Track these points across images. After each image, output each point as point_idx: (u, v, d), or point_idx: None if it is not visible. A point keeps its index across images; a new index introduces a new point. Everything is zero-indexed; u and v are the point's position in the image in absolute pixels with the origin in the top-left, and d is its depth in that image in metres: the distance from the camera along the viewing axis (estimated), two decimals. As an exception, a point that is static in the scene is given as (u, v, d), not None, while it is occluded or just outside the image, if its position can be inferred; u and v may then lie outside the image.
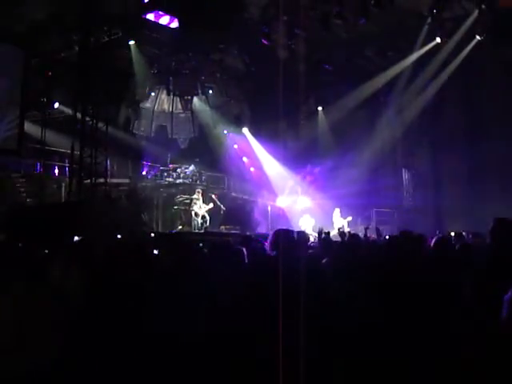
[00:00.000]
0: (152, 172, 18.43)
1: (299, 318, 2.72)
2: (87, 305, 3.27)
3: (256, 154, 19.89)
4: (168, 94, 19.17)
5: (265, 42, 14.88)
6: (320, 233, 7.69)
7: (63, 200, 14.72)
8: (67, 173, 15.58)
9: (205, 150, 19.23)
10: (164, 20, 13.69)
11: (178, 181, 17.75)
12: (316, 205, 17.74)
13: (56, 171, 16.60)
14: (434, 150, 17.86)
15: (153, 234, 11.83)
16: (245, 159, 20.32)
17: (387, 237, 7.76)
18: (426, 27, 14.84)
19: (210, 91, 19.32)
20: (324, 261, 4.11)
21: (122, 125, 18.00)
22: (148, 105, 19.33)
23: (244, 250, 3.88)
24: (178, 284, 3.46)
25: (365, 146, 17.43)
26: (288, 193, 18.60)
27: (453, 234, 7.58)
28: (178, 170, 17.91)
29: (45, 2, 13.18)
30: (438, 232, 10.67)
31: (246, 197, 19.21)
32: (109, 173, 15.63)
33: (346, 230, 13.54)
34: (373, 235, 9.15)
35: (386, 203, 17.29)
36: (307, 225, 15.80)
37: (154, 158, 18.60)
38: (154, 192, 17.47)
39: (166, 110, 19.93)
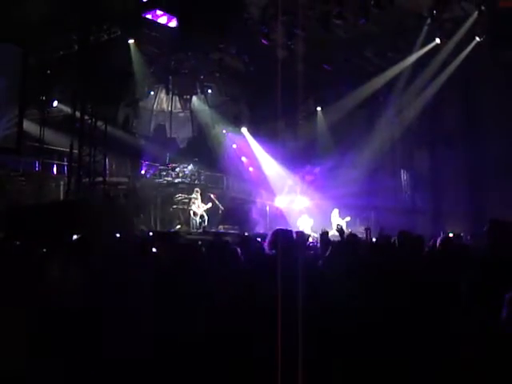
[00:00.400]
0: (151, 171, 18.42)
1: (297, 318, 2.72)
2: (85, 303, 3.26)
3: (255, 154, 19.88)
4: (167, 94, 19.17)
5: (264, 41, 14.87)
6: (322, 234, 7.69)
7: (62, 198, 14.69)
8: (66, 171, 15.56)
9: (204, 150, 19.23)
10: (162, 19, 13.69)
11: (176, 180, 17.75)
12: (314, 205, 17.74)
13: (55, 170, 16.57)
14: (433, 150, 17.86)
15: (151, 233, 11.81)
16: (243, 159, 20.31)
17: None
18: (425, 28, 14.83)
19: (209, 91, 19.31)
20: (322, 259, 4.11)
21: (120, 124, 17.97)
22: (147, 104, 19.31)
23: (240, 249, 3.88)
24: (177, 283, 3.46)
25: (364, 146, 17.43)
26: (286, 193, 18.60)
27: (451, 235, 7.59)
28: (177, 170, 17.91)
29: (44, 1, 13.15)
30: (442, 233, 10.66)
31: (244, 196, 19.21)
32: (107, 172, 15.63)
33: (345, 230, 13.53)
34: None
35: (384, 204, 17.29)
36: (305, 225, 15.80)
37: (152, 157, 18.58)
38: (152, 191, 17.45)
39: (165, 110, 19.92)
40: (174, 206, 17.22)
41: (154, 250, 4.65)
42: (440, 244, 4.37)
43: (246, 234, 12.39)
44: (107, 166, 15.49)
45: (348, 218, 15.72)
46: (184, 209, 16.81)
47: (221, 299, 3.16)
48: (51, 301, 3.29)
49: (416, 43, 15.49)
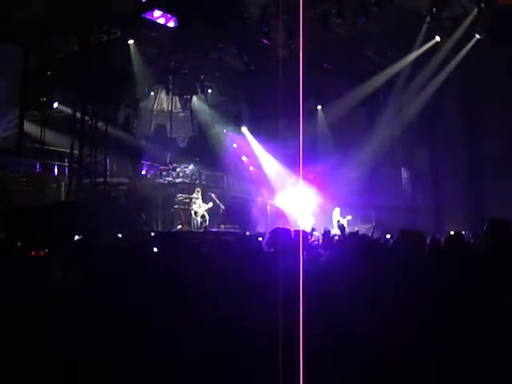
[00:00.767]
0: (151, 171, 18.43)
1: (298, 317, 2.72)
2: (86, 304, 3.27)
3: (255, 153, 19.88)
4: (167, 94, 19.16)
5: (264, 41, 14.87)
6: (325, 232, 7.73)
7: (63, 199, 14.71)
8: (67, 172, 15.58)
9: (204, 149, 19.23)
10: (161, 20, 13.72)
11: (177, 180, 17.76)
12: (315, 204, 17.73)
13: (56, 171, 16.58)
14: (433, 148, 17.86)
15: (152, 233, 11.84)
16: (244, 158, 20.31)
17: (388, 236, 7.76)
18: (425, 26, 14.83)
19: (210, 90, 19.30)
20: (324, 257, 4.12)
21: (121, 124, 17.97)
22: (147, 104, 19.31)
23: (241, 248, 3.90)
24: (177, 283, 3.47)
25: (364, 144, 17.42)
26: (287, 192, 18.59)
27: (452, 233, 7.57)
28: (178, 169, 17.92)
29: (44, 2, 13.16)
30: (443, 232, 10.68)
31: (245, 196, 19.21)
32: (108, 172, 15.65)
33: (346, 229, 13.55)
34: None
35: (385, 202, 17.28)
36: (306, 224, 15.79)
37: (153, 157, 18.59)
38: (153, 191, 17.46)
39: (166, 110, 19.92)
40: (175, 206, 17.22)
41: (154, 249, 4.66)
42: (445, 242, 4.39)
43: (247, 233, 12.41)
44: (108, 167, 15.51)
45: (349, 217, 15.71)
46: (185, 209, 16.82)
47: (221, 299, 3.17)
48: (53, 301, 3.30)
49: (416, 41, 15.48)
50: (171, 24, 13.83)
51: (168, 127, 19.93)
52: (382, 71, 16.82)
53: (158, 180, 17.89)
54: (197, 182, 17.84)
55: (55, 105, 16.54)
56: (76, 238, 5.56)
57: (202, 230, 15.36)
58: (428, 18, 14.44)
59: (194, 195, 16.21)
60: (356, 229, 13.08)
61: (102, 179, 14.66)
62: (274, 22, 14.39)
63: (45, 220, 8.99)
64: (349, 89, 17.61)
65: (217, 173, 19.53)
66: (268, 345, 2.69)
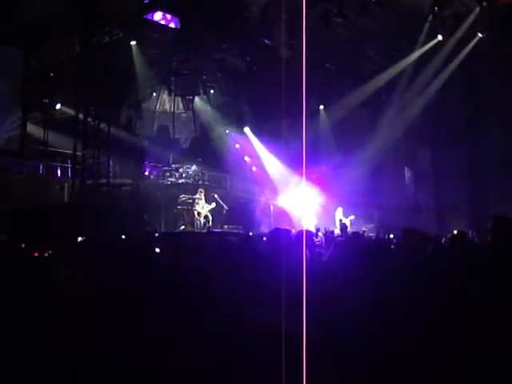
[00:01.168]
0: (154, 172, 18.45)
1: (300, 318, 2.72)
2: (90, 305, 3.27)
3: (258, 154, 19.88)
4: (169, 94, 19.18)
5: (266, 41, 14.88)
6: (327, 232, 7.73)
7: (66, 201, 14.74)
8: (70, 174, 15.60)
9: (207, 150, 19.24)
10: (163, 21, 13.75)
11: (180, 181, 17.78)
12: (318, 204, 17.73)
13: (59, 172, 16.61)
14: (435, 148, 17.81)
15: (156, 234, 11.84)
16: (247, 158, 20.32)
17: (391, 236, 7.76)
18: (427, 25, 14.80)
19: (212, 91, 19.31)
20: (326, 256, 4.12)
21: (123, 125, 18.00)
22: (150, 105, 19.34)
23: (245, 248, 3.89)
24: (180, 283, 3.47)
25: (367, 144, 17.40)
26: (290, 192, 18.59)
27: (455, 232, 7.55)
28: (181, 170, 17.93)
29: (46, 3, 13.18)
30: (448, 231, 10.64)
31: (248, 196, 19.21)
32: (111, 173, 15.65)
33: (349, 229, 13.55)
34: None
35: (387, 202, 17.25)
36: (310, 224, 15.79)
37: (156, 158, 18.61)
38: (156, 192, 17.48)
39: (168, 110, 19.94)
40: (178, 207, 17.24)
41: (157, 250, 4.67)
42: (449, 241, 4.39)
43: (251, 233, 12.41)
44: (111, 168, 15.51)
45: (352, 217, 15.72)
46: (188, 209, 16.84)
47: (225, 300, 3.17)
48: (56, 302, 3.30)
49: (418, 41, 15.46)
50: (173, 25, 13.86)
51: (170, 128, 19.96)
52: (384, 71, 16.78)
53: (160, 181, 17.91)
54: (200, 182, 17.85)
55: (58, 106, 16.58)
56: (79, 239, 5.56)
57: (205, 230, 15.36)
58: (430, 17, 14.42)
59: (197, 196, 16.23)
60: (362, 229, 13.09)
61: (104, 180, 14.66)
62: (275, 22, 14.40)
63: (48, 221, 9.01)
64: (351, 89, 17.59)
65: (220, 173, 19.53)
66: (270, 345, 2.69)
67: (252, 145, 19.90)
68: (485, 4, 13.58)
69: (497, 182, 15.38)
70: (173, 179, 17.76)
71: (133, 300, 3.25)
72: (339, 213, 15.87)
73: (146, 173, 18.51)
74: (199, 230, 15.50)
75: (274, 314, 2.76)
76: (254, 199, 18.87)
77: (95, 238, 5.48)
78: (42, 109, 16.11)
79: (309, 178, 18.65)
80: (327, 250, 4.73)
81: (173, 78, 18.35)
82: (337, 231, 11.72)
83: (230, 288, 3.26)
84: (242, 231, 15.46)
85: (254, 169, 20.27)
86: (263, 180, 19.49)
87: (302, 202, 18.04)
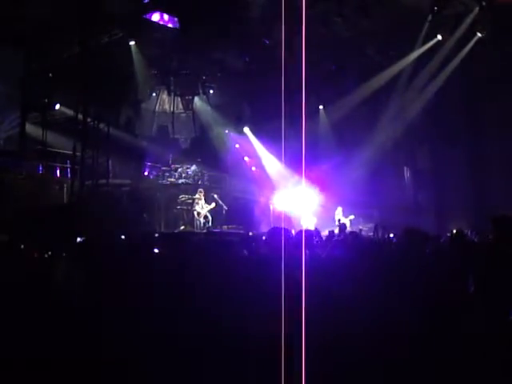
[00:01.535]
0: (154, 172, 18.42)
1: (298, 316, 2.72)
2: (89, 304, 3.27)
3: (257, 154, 19.87)
4: (169, 94, 19.18)
5: (266, 41, 14.87)
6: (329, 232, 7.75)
7: (65, 201, 14.73)
8: (69, 174, 15.58)
9: (206, 150, 19.22)
10: (161, 21, 13.76)
11: (179, 181, 17.76)
12: (318, 203, 17.72)
13: (58, 173, 16.58)
14: (435, 147, 17.82)
15: (156, 235, 11.82)
16: (246, 159, 20.31)
17: (391, 235, 7.76)
18: (426, 25, 14.81)
19: (211, 91, 19.30)
20: (325, 254, 4.11)
21: (123, 125, 17.98)
22: (149, 105, 19.32)
23: (244, 248, 3.89)
24: (180, 283, 3.46)
25: (366, 144, 17.40)
26: (290, 191, 18.57)
27: (454, 231, 7.55)
28: (180, 170, 17.91)
29: (45, 3, 13.17)
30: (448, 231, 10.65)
31: (247, 196, 19.20)
32: (110, 173, 15.65)
33: (348, 229, 13.55)
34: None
35: (387, 202, 17.26)
36: (309, 223, 15.79)
37: (155, 158, 18.59)
38: (155, 192, 17.47)
39: (167, 110, 19.93)
40: (178, 207, 17.23)
41: (155, 250, 4.66)
42: (449, 239, 4.40)
43: (250, 233, 12.41)
44: (110, 168, 15.51)
45: (352, 216, 15.72)
46: (188, 209, 16.83)
47: (225, 299, 3.16)
48: (56, 302, 3.30)
49: (417, 40, 15.47)
50: (171, 25, 13.86)
51: (170, 128, 19.94)
52: (384, 70, 16.79)
53: (160, 181, 17.89)
54: (199, 182, 17.85)
55: (57, 106, 16.54)
56: (79, 239, 5.56)
57: (204, 230, 15.36)
58: (429, 17, 14.42)
59: (197, 196, 16.22)
60: (360, 228, 13.07)
61: (104, 180, 14.66)
62: (275, 22, 14.38)
63: (48, 222, 9.00)
64: (350, 88, 17.59)
65: (219, 173, 19.51)
66: (270, 344, 2.69)
67: (251, 145, 19.90)
68: (484, 4, 13.59)
69: (496, 181, 15.40)
70: (172, 179, 17.74)
71: (131, 300, 3.25)
72: (339, 212, 15.87)
73: (146, 173, 18.49)
74: (199, 230, 15.49)
75: (274, 312, 2.76)
76: (253, 199, 18.86)
77: (94, 238, 5.47)
78: (41, 109, 16.07)
79: (308, 178, 18.65)
80: (324, 249, 4.73)
81: (172, 78, 18.35)
82: (336, 231, 11.72)
83: (230, 287, 3.26)
84: (241, 231, 15.46)
85: (253, 169, 20.27)
86: (263, 180, 19.48)
87: (301, 201, 18.04)
